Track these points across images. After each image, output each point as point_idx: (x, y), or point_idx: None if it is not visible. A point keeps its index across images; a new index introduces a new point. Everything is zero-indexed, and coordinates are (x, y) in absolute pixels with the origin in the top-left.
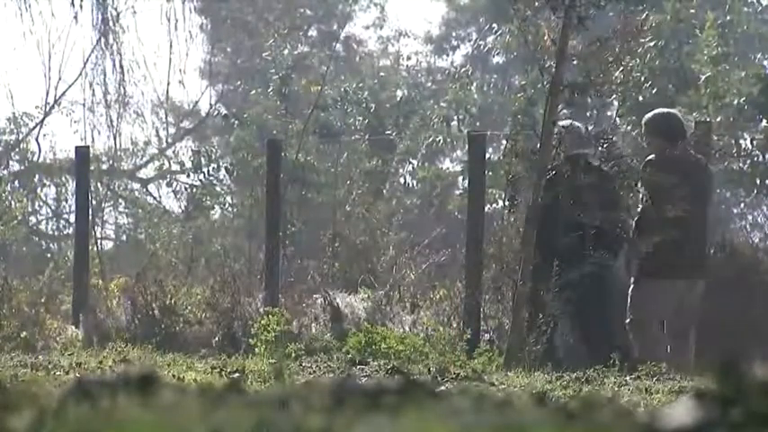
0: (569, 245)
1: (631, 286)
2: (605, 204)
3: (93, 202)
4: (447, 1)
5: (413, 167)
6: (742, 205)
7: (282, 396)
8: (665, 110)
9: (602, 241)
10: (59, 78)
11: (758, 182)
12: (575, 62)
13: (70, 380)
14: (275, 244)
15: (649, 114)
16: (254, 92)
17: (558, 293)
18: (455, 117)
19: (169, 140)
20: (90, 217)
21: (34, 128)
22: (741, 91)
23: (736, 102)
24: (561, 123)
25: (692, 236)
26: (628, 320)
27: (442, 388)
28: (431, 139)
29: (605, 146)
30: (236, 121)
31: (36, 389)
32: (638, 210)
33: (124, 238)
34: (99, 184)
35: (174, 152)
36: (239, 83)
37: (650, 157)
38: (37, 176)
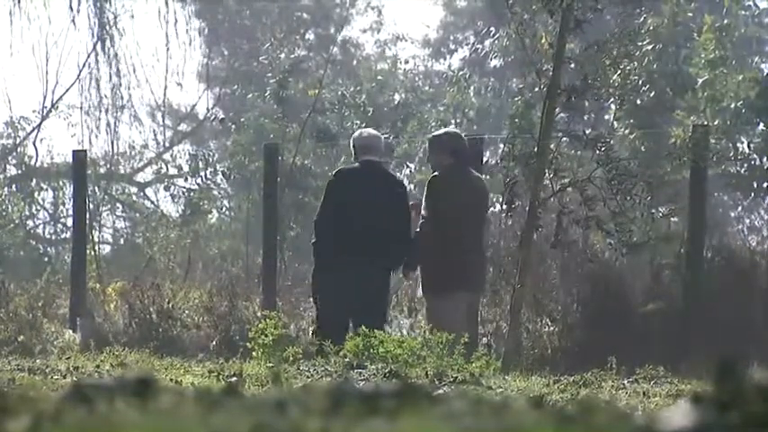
0: (350, 244)
1: (425, 304)
2: (393, 211)
3: (91, 206)
4: (444, 5)
5: (410, 171)
6: (739, 208)
7: (280, 400)
8: (450, 129)
9: (384, 245)
10: (56, 82)
11: (755, 185)
12: (572, 66)
13: (67, 384)
14: (272, 248)
15: (436, 133)
16: (251, 95)
17: (336, 295)
18: (452, 120)
19: (166, 144)
20: (87, 221)
21: (31, 132)
22: (738, 94)
23: (733, 105)
24: (354, 135)
25: (475, 249)
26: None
27: (440, 391)
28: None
29: (602, 149)
30: (234, 125)
31: (33, 393)
32: (420, 225)
33: (122, 241)
34: (96, 188)
35: (171, 156)
36: (236, 86)
37: (434, 174)
38: (34, 180)
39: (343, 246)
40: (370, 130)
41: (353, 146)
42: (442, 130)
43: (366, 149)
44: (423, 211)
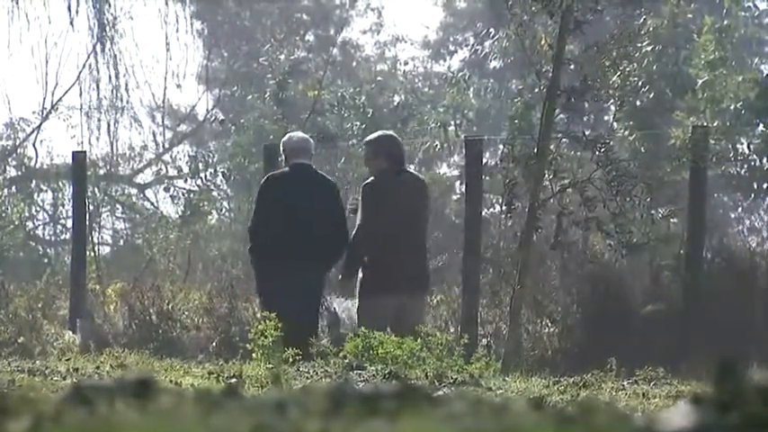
0: (285, 248)
1: (356, 302)
2: (327, 213)
3: (91, 208)
4: (444, 6)
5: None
6: (739, 209)
7: (280, 401)
8: (387, 132)
9: (318, 247)
10: (56, 83)
11: (755, 186)
12: (572, 67)
13: (67, 385)
14: None
15: (371, 136)
16: (250, 97)
17: (277, 298)
18: (452, 122)
19: (166, 145)
20: (87, 222)
21: (31, 133)
22: (738, 95)
23: (733, 106)
24: (283, 138)
25: (411, 253)
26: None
27: (440, 393)
28: (428, 144)
29: (602, 150)
30: (234, 126)
31: (33, 394)
32: (356, 227)
33: (121, 243)
34: (96, 190)
35: (171, 157)
36: (236, 88)
37: (371, 177)
38: (34, 182)
39: (277, 250)
40: (300, 134)
41: (283, 150)
42: (377, 134)
43: (296, 153)
44: (358, 218)
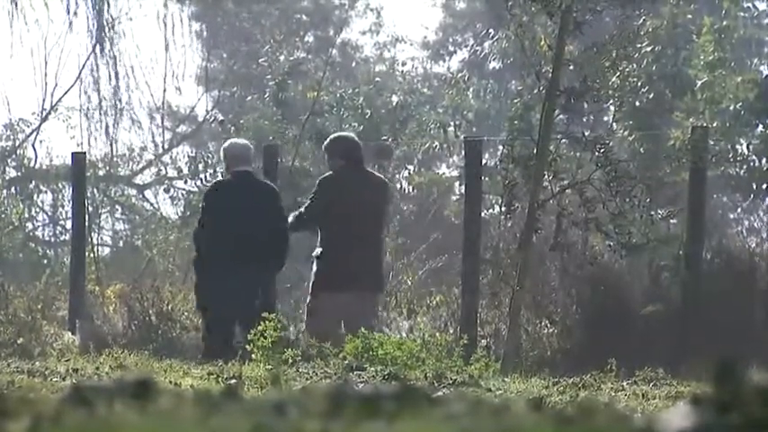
0: (230, 254)
1: (308, 298)
2: (270, 219)
3: (90, 209)
4: (444, 7)
5: (409, 173)
6: (738, 210)
7: (279, 402)
8: (344, 134)
9: (263, 252)
10: (56, 84)
11: (754, 187)
12: (571, 67)
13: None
14: None
15: (329, 138)
16: (250, 98)
17: (224, 308)
18: (452, 123)
19: (166, 146)
20: (86, 223)
21: (30, 134)
22: (737, 96)
23: (732, 107)
24: (224, 145)
25: (368, 250)
26: (305, 331)
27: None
28: (427, 145)
29: (602, 151)
30: (233, 127)
31: (33, 395)
32: (295, 216)
33: (121, 244)
34: (95, 191)
35: (170, 158)
36: (235, 89)
37: (326, 174)
38: (33, 183)
39: (223, 256)
40: (240, 141)
41: (225, 157)
42: (336, 135)
43: (238, 160)
44: (301, 207)
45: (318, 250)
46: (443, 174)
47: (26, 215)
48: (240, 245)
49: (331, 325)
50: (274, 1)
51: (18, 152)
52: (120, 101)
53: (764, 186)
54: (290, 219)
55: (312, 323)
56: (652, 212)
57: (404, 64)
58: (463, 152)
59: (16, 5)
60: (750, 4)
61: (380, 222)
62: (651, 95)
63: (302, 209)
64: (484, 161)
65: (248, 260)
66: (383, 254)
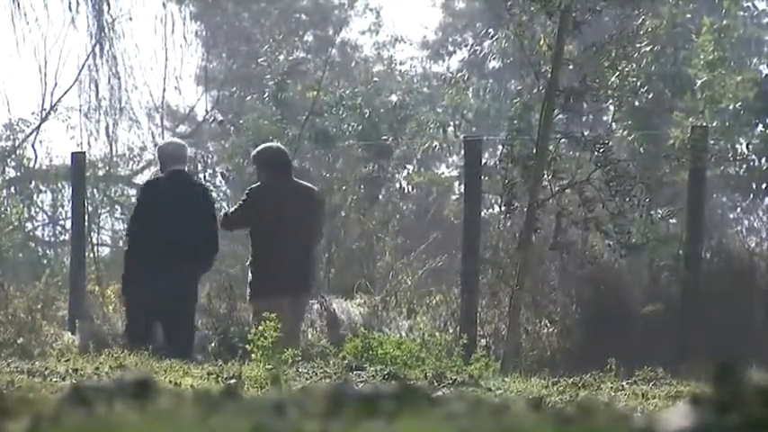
0: (159, 250)
1: (252, 310)
2: (200, 218)
3: (90, 208)
4: (443, 6)
5: (409, 173)
6: (738, 210)
7: (279, 402)
8: (270, 144)
9: (191, 251)
10: (55, 84)
11: (754, 186)
12: (571, 67)
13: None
14: None
15: (258, 148)
16: (249, 97)
17: (147, 300)
18: (451, 122)
19: None
20: (86, 223)
21: (30, 134)
22: (737, 95)
23: (732, 106)
24: (160, 144)
25: (295, 256)
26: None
27: (439, 393)
28: (427, 145)
29: (601, 150)
30: (232, 127)
31: (33, 395)
32: (223, 216)
33: (121, 244)
34: (95, 190)
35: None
36: (235, 88)
37: (254, 185)
38: (33, 183)
39: (153, 253)
40: (175, 141)
41: (159, 156)
42: (263, 146)
43: (172, 159)
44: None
45: (250, 259)
46: (443, 173)
47: (26, 215)
48: (169, 242)
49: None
50: (274, 1)
51: (18, 152)
52: (119, 101)
53: (764, 186)
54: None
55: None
56: (652, 212)
57: (402, 63)
58: (463, 152)
59: (18, 5)
60: (750, 4)
61: (309, 229)
62: (651, 95)
63: (229, 211)
64: (483, 161)
65: (176, 258)
66: (313, 259)
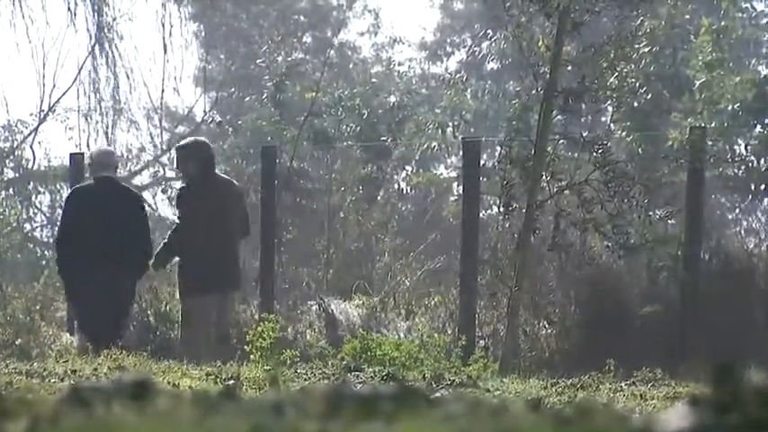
0: (89, 259)
1: (180, 306)
2: (130, 224)
3: None
4: (441, 8)
5: (407, 174)
6: (737, 210)
7: (277, 402)
8: (195, 138)
9: (122, 257)
10: (54, 85)
11: (753, 187)
12: (569, 68)
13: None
14: (270, 251)
15: (181, 143)
16: (248, 98)
17: (77, 302)
18: (450, 123)
19: (164, 147)
20: None
21: (29, 135)
22: (735, 96)
23: (730, 107)
24: (88, 152)
25: (224, 252)
26: (179, 336)
27: (437, 394)
28: (425, 146)
29: (600, 151)
30: (231, 128)
31: (31, 396)
32: (170, 236)
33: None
34: None
35: (168, 159)
36: (234, 89)
37: (181, 187)
38: (31, 184)
39: (83, 261)
40: (104, 148)
41: (89, 164)
42: (188, 140)
43: (100, 167)
44: (176, 219)
45: (178, 259)
46: (441, 174)
47: (24, 216)
48: (99, 248)
49: (201, 327)
50: (272, 2)
51: (16, 153)
52: (118, 102)
53: (762, 187)
54: (169, 237)
55: (185, 330)
56: (650, 213)
57: (400, 64)
58: (461, 153)
59: (17, 6)
60: (748, 5)
61: (234, 224)
62: (649, 96)
63: (176, 224)
64: (482, 162)
65: (108, 263)
66: (239, 253)
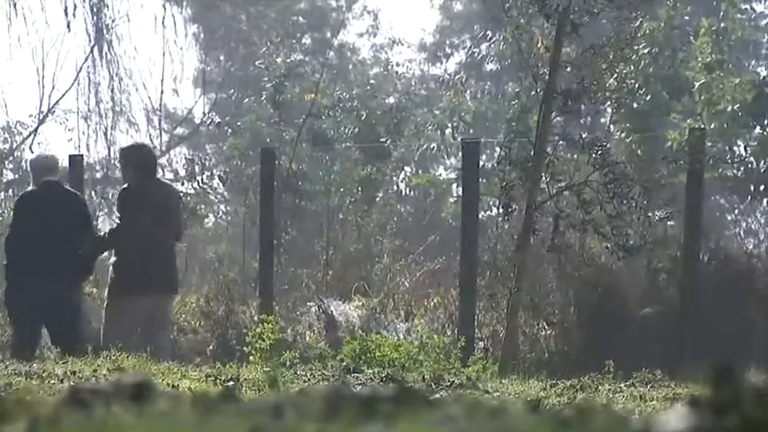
0: (37, 264)
1: (105, 304)
2: (75, 226)
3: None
4: (441, 9)
5: (406, 175)
6: (736, 212)
7: (277, 404)
8: (135, 142)
9: (69, 262)
10: (53, 87)
11: (752, 189)
12: (568, 69)
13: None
14: (269, 252)
15: (122, 146)
16: (247, 100)
17: (30, 310)
18: (449, 124)
19: (163, 148)
20: None
21: (28, 136)
22: (735, 98)
23: (730, 108)
24: (30, 158)
25: (161, 256)
26: (102, 336)
27: (437, 396)
28: (425, 147)
29: (599, 153)
30: (230, 129)
31: (30, 397)
32: (109, 232)
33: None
34: (93, 193)
35: (167, 160)
36: (233, 91)
37: (125, 185)
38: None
39: (31, 265)
40: (47, 153)
41: (32, 169)
42: (128, 144)
43: (44, 171)
44: (116, 222)
45: (113, 258)
46: (441, 175)
47: None
48: (46, 252)
49: (127, 330)
50: (271, 3)
51: (15, 154)
52: (117, 103)
53: (762, 188)
54: (108, 236)
55: (108, 329)
56: (649, 214)
57: (399, 65)
58: (460, 154)
59: (15, 8)
60: (748, 6)
61: (173, 228)
62: (648, 97)
63: (116, 224)
64: (481, 163)
65: (54, 267)
66: (176, 258)
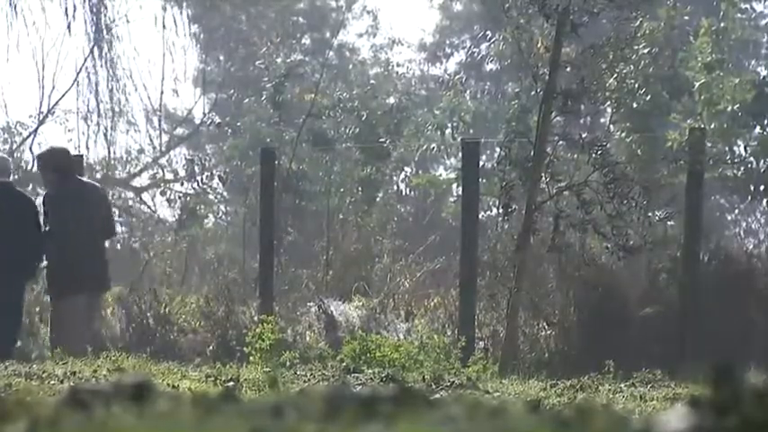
0: None
1: (50, 308)
2: (24, 228)
3: None
4: (441, 9)
5: (407, 175)
6: (736, 212)
7: (277, 404)
8: (53, 146)
9: (15, 260)
10: (53, 87)
11: (752, 188)
12: (568, 69)
13: (65, 389)
14: (269, 252)
15: (40, 151)
16: (247, 100)
17: None
18: (449, 124)
19: (163, 149)
20: None
21: (28, 137)
22: (735, 97)
23: (729, 108)
24: None
25: (90, 254)
26: (50, 338)
27: (437, 396)
28: (425, 147)
29: (599, 153)
30: (230, 130)
31: (30, 398)
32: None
33: (118, 246)
34: None
35: (167, 161)
36: (233, 91)
37: (47, 190)
38: (31, 186)
39: None
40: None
41: None
42: (46, 148)
43: None
44: (46, 226)
45: (45, 261)
46: (441, 176)
47: None
48: None
49: (73, 328)
50: (271, 3)
51: (15, 155)
52: (117, 103)
53: (762, 188)
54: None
55: (56, 331)
56: (649, 214)
57: (399, 65)
58: (460, 154)
59: (15, 9)
60: (748, 6)
61: (99, 225)
62: (648, 97)
63: (46, 229)
64: (481, 163)
65: (3, 266)
66: (105, 254)
